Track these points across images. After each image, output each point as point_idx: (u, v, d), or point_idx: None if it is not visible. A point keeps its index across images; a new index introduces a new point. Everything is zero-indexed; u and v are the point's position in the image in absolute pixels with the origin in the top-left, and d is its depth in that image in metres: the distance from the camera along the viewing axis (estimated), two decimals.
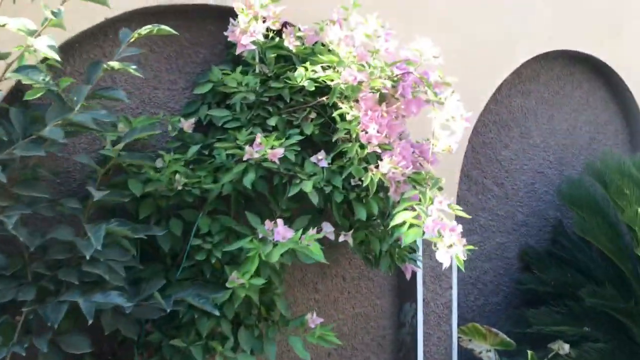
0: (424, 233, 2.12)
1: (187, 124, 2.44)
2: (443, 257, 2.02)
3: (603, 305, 3.24)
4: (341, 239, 2.43)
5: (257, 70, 2.52)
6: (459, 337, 3.44)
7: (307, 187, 2.18)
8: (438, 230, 2.06)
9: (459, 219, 3.90)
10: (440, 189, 2.46)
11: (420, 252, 3.22)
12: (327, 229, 2.40)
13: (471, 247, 2.07)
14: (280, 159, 2.26)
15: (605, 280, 3.57)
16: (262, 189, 2.33)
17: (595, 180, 3.78)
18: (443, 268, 2.07)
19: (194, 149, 2.37)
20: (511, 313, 3.81)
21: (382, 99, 2.38)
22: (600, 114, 4.43)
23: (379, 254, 2.52)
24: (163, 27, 2.07)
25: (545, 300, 3.69)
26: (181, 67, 2.62)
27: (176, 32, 2.12)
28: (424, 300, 3.29)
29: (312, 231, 2.09)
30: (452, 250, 2.01)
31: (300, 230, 2.08)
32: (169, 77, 2.59)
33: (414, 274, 3.25)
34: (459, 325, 3.53)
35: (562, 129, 4.18)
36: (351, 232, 2.45)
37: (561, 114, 4.17)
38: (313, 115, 2.49)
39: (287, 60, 2.59)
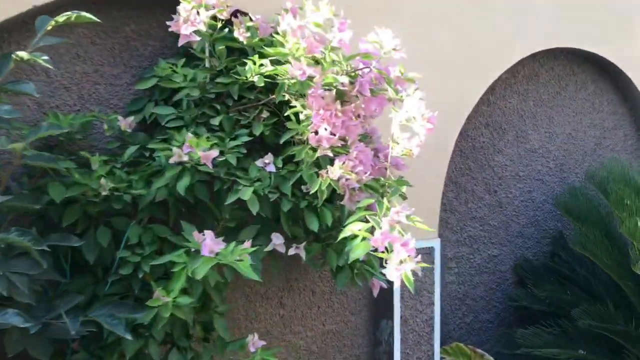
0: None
1: (126, 123, 2.23)
2: (392, 275, 1.77)
3: (599, 327, 2.94)
4: (292, 251, 2.19)
5: (207, 65, 2.30)
6: (441, 358, 3.16)
7: (246, 194, 1.94)
8: (389, 244, 1.81)
9: (449, 229, 3.66)
10: (404, 197, 2.21)
11: None
12: (277, 240, 2.17)
13: (424, 264, 1.81)
14: (221, 162, 2.04)
15: (607, 299, 3.27)
16: (202, 195, 2.09)
17: (597, 189, 3.48)
18: (394, 287, 1.81)
19: (130, 150, 2.16)
20: (503, 332, 3.52)
21: (341, 97, 2.14)
22: (607, 117, 4.11)
23: (337, 268, 2.27)
24: (83, 13, 1.85)
25: (542, 319, 3.40)
26: (126, 60, 2.40)
27: (98, 20, 1.91)
28: (401, 317, 3.03)
29: (246, 243, 1.85)
30: (402, 267, 1.75)
31: (233, 244, 1.84)
32: (113, 72, 2.37)
33: (389, 289, 2.99)
34: (442, 344, 3.25)
35: (563, 133, 3.88)
36: (303, 244, 2.20)
37: (562, 116, 3.87)
38: (265, 114, 2.25)
39: (244, 54, 2.36)
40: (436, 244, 3.12)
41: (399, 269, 1.75)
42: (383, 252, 1.80)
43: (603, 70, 4.01)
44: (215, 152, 1.93)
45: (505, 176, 3.63)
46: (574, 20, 3.61)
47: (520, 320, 3.63)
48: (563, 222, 3.81)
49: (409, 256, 1.77)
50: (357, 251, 1.86)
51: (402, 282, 3.08)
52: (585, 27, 3.69)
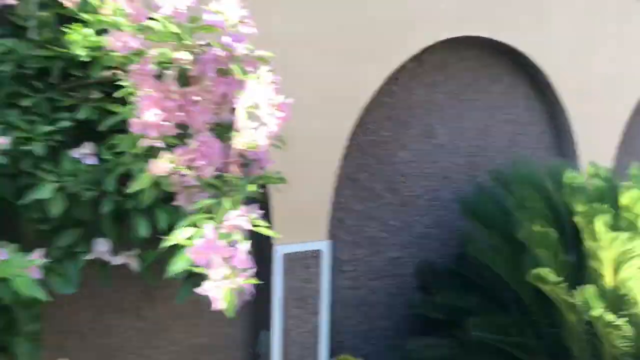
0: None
1: None
2: (212, 292, 1.45)
3: (492, 339, 2.71)
4: (119, 260, 1.85)
5: (34, 35, 1.92)
6: None
7: (45, 192, 1.59)
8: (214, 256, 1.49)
9: (345, 230, 3.33)
10: (252, 199, 1.90)
11: (279, 269, 2.67)
12: (101, 247, 1.82)
13: (254, 281, 1.50)
14: (27, 152, 1.68)
15: (513, 306, 3.07)
16: (4, 192, 1.72)
17: (504, 189, 3.26)
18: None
19: None
20: (400, 342, 3.27)
21: (184, 77, 1.80)
22: (522, 113, 3.91)
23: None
24: None
25: (444, 327, 3.16)
26: None
27: None
28: (283, 328, 2.73)
29: (35, 254, 1.49)
30: (224, 284, 1.44)
31: (16, 254, 1.48)
32: None
33: (268, 297, 2.69)
34: (333, 355, 2.98)
35: (475, 129, 3.65)
36: (135, 251, 1.86)
37: (474, 111, 3.65)
38: (97, 95, 1.90)
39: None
40: (324, 246, 2.84)
41: (221, 286, 1.44)
42: (203, 265, 1.48)
43: (518, 63, 3.80)
44: (2, 141, 1.57)
45: (409, 173, 3.37)
46: (487, 7, 3.38)
47: (423, 328, 3.38)
48: (473, 222, 3.58)
49: (233, 270, 1.45)
50: (178, 264, 1.54)
51: (289, 288, 2.79)
52: (499, 16, 3.46)
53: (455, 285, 3.31)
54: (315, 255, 2.81)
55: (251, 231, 2.70)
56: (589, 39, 3.98)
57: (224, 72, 1.82)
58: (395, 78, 3.22)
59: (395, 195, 3.32)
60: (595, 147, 4.13)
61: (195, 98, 1.79)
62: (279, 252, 2.66)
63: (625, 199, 2.69)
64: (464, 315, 3.07)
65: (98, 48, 1.77)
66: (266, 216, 2.68)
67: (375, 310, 3.30)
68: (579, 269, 2.88)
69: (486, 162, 3.73)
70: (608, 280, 2.66)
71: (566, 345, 2.86)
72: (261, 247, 2.74)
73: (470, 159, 3.65)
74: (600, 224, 2.50)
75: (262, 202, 2.67)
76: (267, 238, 2.69)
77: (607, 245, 2.52)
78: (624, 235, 2.48)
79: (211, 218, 1.65)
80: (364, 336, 3.26)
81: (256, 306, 2.78)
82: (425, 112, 3.41)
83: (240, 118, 1.72)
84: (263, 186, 2.63)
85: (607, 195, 2.96)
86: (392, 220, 3.32)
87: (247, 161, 1.98)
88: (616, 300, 2.69)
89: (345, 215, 3.12)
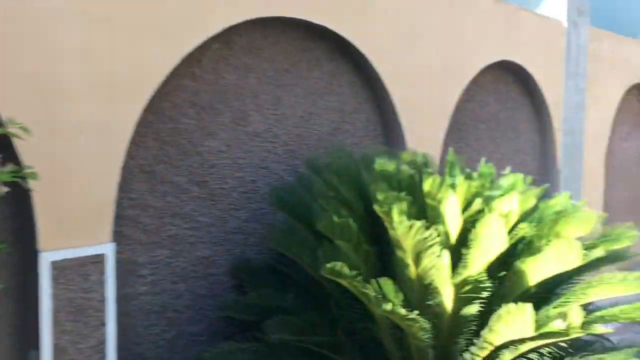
0: None
1: None
2: None
3: (293, 340, 2.53)
4: None
5: None
6: None
7: None
8: None
9: (141, 229, 2.92)
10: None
11: (46, 279, 2.30)
12: None
13: None
14: None
15: (330, 302, 2.90)
16: None
17: (319, 179, 3.09)
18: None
19: None
20: (207, 348, 3.00)
21: None
22: (347, 100, 3.78)
23: None
24: None
25: (257, 328, 2.94)
26: None
27: None
28: (56, 345, 2.36)
29: None
30: None
31: None
32: None
33: (34, 309, 2.32)
34: None
35: (294, 116, 3.46)
36: None
37: (294, 97, 3.45)
38: None
39: None
40: (109, 249, 2.51)
41: None
42: None
43: (341, 49, 3.66)
44: None
45: (219, 164, 3.11)
46: None
47: (239, 330, 3.14)
48: (283, 214, 3.39)
49: None
50: None
51: (63, 300, 2.42)
52: None
53: (272, 282, 3.10)
54: (97, 260, 2.47)
55: (14, 236, 2.31)
56: (413, 27, 3.94)
57: None
58: (197, 60, 2.94)
59: (203, 189, 3.04)
60: (424, 135, 4.11)
61: None
62: (45, 259, 2.30)
63: (427, 185, 2.60)
64: (279, 314, 2.86)
65: None
66: (28, 218, 2.30)
67: (183, 315, 3.01)
68: (389, 259, 2.78)
69: (307, 151, 3.56)
70: (412, 270, 2.57)
71: (377, 339, 2.74)
72: (27, 254, 2.36)
73: (290, 148, 3.46)
74: (396, 212, 2.39)
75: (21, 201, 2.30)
76: (33, 244, 2.32)
77: (404, 234, 2.41)
78: (419, 223, 2.37)
79: None
80: (169, 345, 2.96)
81: (24, 322, 2.40)
82: (236, 97, 3.16)
83: None
84: (17, 184, 2.25)
85: (417, 183, 2.88)
86: (201, 216, 3.05)
87: None
88: (421, 290, 2.60)
89: (140, 213, 2.80)
